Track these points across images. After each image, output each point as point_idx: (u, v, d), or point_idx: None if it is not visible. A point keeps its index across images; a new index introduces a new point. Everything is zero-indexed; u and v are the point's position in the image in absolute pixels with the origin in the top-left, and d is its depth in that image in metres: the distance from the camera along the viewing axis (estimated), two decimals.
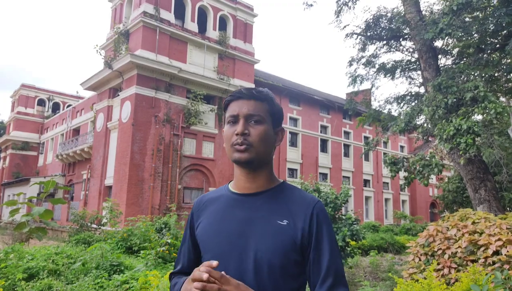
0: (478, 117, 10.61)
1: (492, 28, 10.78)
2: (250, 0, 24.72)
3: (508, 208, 19.70)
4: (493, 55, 12.02)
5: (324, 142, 32.45)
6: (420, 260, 5.97)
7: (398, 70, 13.87)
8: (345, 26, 13.38)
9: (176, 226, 12.52)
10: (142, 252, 9.31)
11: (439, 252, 5.68)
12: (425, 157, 11.02)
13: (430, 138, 13.10)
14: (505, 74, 12.37)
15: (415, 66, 13.69)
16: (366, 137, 33.83)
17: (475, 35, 11.57)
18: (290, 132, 29.81)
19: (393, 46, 13.50)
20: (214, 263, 1.08)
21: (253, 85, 24.30)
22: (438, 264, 5.51)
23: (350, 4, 12.95)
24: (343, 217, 9.07)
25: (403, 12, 12.14)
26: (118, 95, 22.42)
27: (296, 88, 30.22)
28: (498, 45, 11.59)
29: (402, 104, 14.13)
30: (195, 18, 23.51)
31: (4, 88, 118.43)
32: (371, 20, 12.74)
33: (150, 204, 19.84)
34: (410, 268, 5.96)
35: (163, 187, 20.61)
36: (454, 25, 9.82)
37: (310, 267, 1.25)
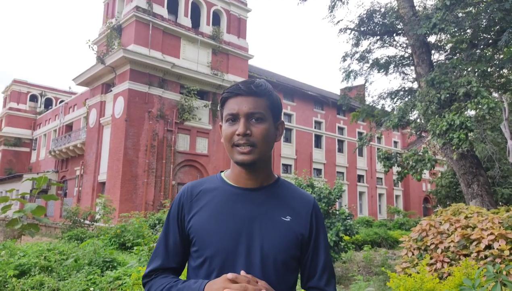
0: (471, 112, 10.67)
1: (485, 23, 10.80)
2: None
3: (500, 203, 19.87)
4: (486, 51, 12.06)
5: (318, 138, 32.50)
6: (413, 254, 6.00)
7: (392, 66, 13.88)
8: (338, 21, 13.39)
9: None
10: (135, 248, 9.24)
11: (432, 246, 5.70)
12: (418, 152, 11.07)
13: (423, 134, 13.15)
14: (497, 69, 12.43)
15: (408, 62, 13.72)
16: (360, 133, 33.95)
17: (468, 30, 11.60)
18: (284, 128, 29.75)
19: (386, 42, 13.51)
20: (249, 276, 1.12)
21: None
22: (431, 258, 5.54)
23: None
24: (337, 212, 9.08)
25: (397, 7, 12.14)
26: (111, 90, 22.26)
27: (290, 84, 30.19)
28: (490, 41, 11.63)
29: (395, 99, 14.16)
30: (188, 13, 23.36)
31: None
32: (365, 15, 12.74)
33: (144, 200, 19.77)
34: (403, 262, 5.98)
35: (157, 183, 20.54)
36: (447, 20, 9.83)
37: (308, 261, 1.31)
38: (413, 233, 6.16)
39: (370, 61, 13.64)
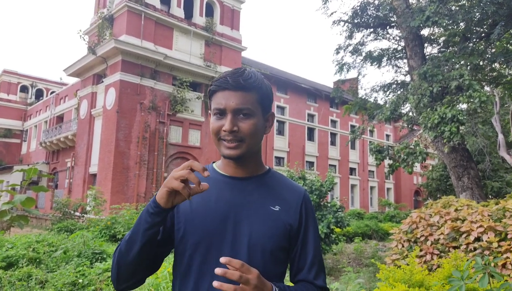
0: (463, 106, 10.70)
1: (478, 16, 10.81)
2: None
3: (490, 196, 20.09)
4: (479, 44, 12.09)
5: (311, 131, 32.53)
6: (403, 246, 6.02)
7: (385, 59, 13.87)
8: (332, 13, 13.31)
9: None
10: None
11: (422, 238, 5.73)
12: (410, 145, 11.10)
13: (415, 127, 13.20)
14: (489, 63, 12.47)
15: (401, 55, 13.72)
16: (352, 126, 34.01)
17: (461, 24, 11.60)
18: (277, 120, 29.76)
19: (380, 34, 13.48)
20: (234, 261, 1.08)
21: None
22: (420, 250, 5.56)
23: None
24: (328, 204, 9.10)
25: (390, 0, 12.10)
26: (102, 81, 22.03)
27: (283, 76, 30.11)
28: (483, 34, 11.66)
29: (388, 92, 14.17)
30: (181, 4, 23.10)
31: None
32: (358, 8, 12.69)
33: (135, 192, 19.68)
34: (393, 254, 6.00)
35: (149, 175, 20.44)
36: (441, 13, 9.82)
37: (297, 253, 1.29)
38: (404, 225, 6.19)
39: (363, 54, 13.62)
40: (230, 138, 1.20)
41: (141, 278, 1.23)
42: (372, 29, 13.33)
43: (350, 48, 13.58)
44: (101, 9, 22.88)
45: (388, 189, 39.65)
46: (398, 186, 39.95)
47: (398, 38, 13.30)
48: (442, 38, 13.36)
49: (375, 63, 13.74)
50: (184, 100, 21.93)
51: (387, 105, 11.94)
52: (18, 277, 5.40)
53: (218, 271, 1.04)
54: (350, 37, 13.36)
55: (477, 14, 10.70)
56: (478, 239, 5.28)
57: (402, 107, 11.85)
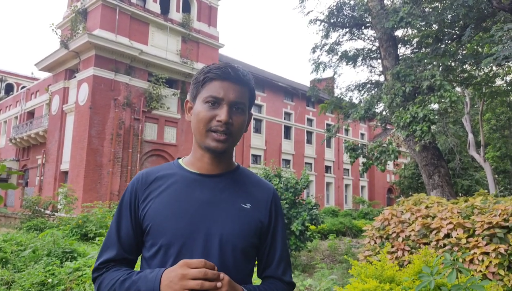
0: (434, 106, 10.96)
1: (450, 18, 11.09)
2: None
3: (460, 194, 20.73)
4: (450, 46, 12.41)
5: (287, 129, 32.71)
6: (375, 243, 6.12)
7: (360, 58, 14.08)
8: (309, 12, 13.39)
9: None
10: (98, 238, 9.03)
11: (394, 235, 5.83)
12: (383, 143, 11.30)
13: (388, 126, 13.45)
14: (460, 64, 12.83)
15: (375, 55, 13.94)
16: (328, 125, 34.37)
17: (434, 25, 11.89)
18: (254, 118, 29.77)
19: (355, 34, 13.66)
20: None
21: None
22: (392, 246, 5.67)
23: None
24: (303, 202, 9.16)
25: (366, 0, 12.27)
26: (75, 76, 21.48)
27: (261, 75, 30.13)
28: (455, 36, 11.97)
29: (362, 92, 14.40)
30: None
31: None
32: (334, 7, 12.81)
33: (109, 190, 19.30)
34: (366, 250, 6.09)
35: (123, 173, 20.08)
36: (414, 14, 10.02)
37: (266, 250, 1.29)
38: (376, 222, 6.29)
39: (339, 53, 13.78)
40: (222, 129, 1.18)
41: None
42: (347, 29, 13.49)
43: (326, 47, 13.71)
44: (74, 3, 22.30)
45: (362, 187, 40.34)
46: (372, 184, 40.70)
47: (372, 39, 13.51)
48: (415, 40, 13.66)
49: (351, 62, 13.93)
50: (160, 97, 21.64)
51: (361, 105, 12.12)
52: None
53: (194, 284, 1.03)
54: (326, 36, 13.48)
55: (449, 16, 10.99)
56: (447, 236, 5.42)
57: (376, 107, 12.05)
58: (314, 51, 13.92)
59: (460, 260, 4.74)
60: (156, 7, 22.56)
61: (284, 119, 32.36)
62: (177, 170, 1.28)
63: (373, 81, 14.36)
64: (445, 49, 11.86)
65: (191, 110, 1.28)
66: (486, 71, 15.07)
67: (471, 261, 5.02)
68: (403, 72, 10.12)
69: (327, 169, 36.05)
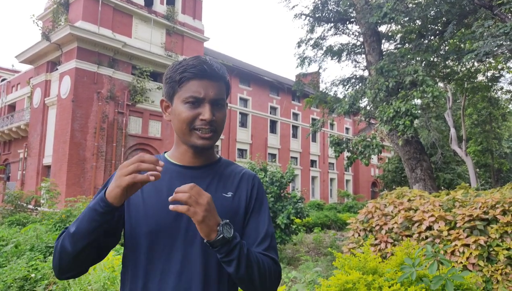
0: (417, 101, 11.13)
1: (433, 14, 11.23)
2: None
3: (442, 187, 21.12)
4: (433, 41, 12.57)
5: (273, 123, 32.76)
6: (359, 235, 6.21)
7: (344, 53, 14.17)
8: (294, 6, 13.40)
9: None
10: None
11: (377, 227, 5.92)
12: (367, 138, 11.43)
13: (372, 121, 13.59)
14: (443, 60, 13.02)
15: (360, 50, 14.05)
16: (313, 119, 34.55)
17: (417, 21, 12.02)
18: (240, 113, 29.72)
19: (340, 29, 13.74)
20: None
21: None
22: (375, 239, 5.76)
23: None
24: (289, 195, 9.22)
25: None
26: (57, 69, 21.06)
27: (246, 69, 30.05)
28: (437, 32, 12.13)
29: (347, 86, 14.51)
30: None
31: None
32: (319, 2, 12.84)
33: (92, 184, 19.06)
34: (350, 243, 6.18)
35: (107, 167, 19.84)
36: (398, 10, 10.12)
37: (248, 232, 1.27)
38: (360, 215, 6.37)
39: (324, 48, 13.85)
40: (207, 127, 1.20)
41: (84, 269, 1.19)
42: (332, 24, 13.56)
43: (311, 42, 13.77)
44: None
45: (347, 181, 40.75)
46: (357, 178, 41.15)
47: (357, 34, 13.61)
48: (399, 35, 13.80)
49: (335, 57, 14.01)
50: (144, 91, 21.39)
51: (346, 99, 12.22)
52: None
53: (170, 198, 1.05)
54: (311, 31, 13.52)
55: (432, 12, 11.13)
56: (429, 228, 5.53)
57: (360, 101, 12.17)
58: (299, 46, 13.96)
59: (442, 252, 4.85)
60: None
61: (270, 113, 32.39)
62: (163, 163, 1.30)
63: (357, 76, 14.48)
64: (428, 45, 12.02)
65: (168, 109, 1.29)
66: (468, 67, 15.34)
67: (452, 252, 5.14)
68: (386, 67, 10.23)
69: (313, 163, 36.29)
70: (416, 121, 10.46)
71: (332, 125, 32.61)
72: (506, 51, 9.30)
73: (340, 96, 14.66)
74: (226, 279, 1.20)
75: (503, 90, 20.61)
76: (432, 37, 12.42)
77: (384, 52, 12.43)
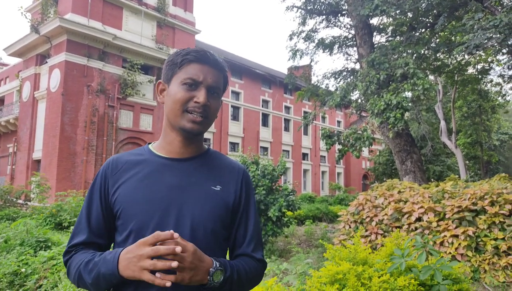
0: (408, 94, 11.19)
1: (424, 7, 11.25)
2: None
3: (432, 179, 21.32)
4: (424, 34, 12.62)
5: (265, 116, 32.75)
6: (350, 227, 6.25)
7: (336, 46, 14.16)
8: None
9: None
10: (72, 227, 8.88)
11: (368, 219, 5.97)
12: (358, 130, 11.48)
13: (363, 113, 13.65)
14: (434, 52, 13.09)
15: (351, 43, 14.05)
16: (305, 112, 34.60)
17: (409, 14, 12.04)
18: (232, 106, 29.65)
19: (331, 22, 13.72)
20: (175, 235, 1.05)
21: None
22: (366, 230, 5.81)
23: None
24: (280, 188, 9.23)
25: None
26: (46, 62, 20.78)
27: (238, 61, 29.93)
28: (428, 25, 12.17)
29: (338, 79, 14.52)
30: None
31: None
32: None
33: (83, 179, 18.93)
34: (341, 235, 6.22)
35: (98, 161, 19.70)
36: (389, 2, 10.13)
37: (236, 230, 1.31)
38: (351, 207, 6.41)
39: (316, 41, 13.83)
40: (200, 111, 1.20)
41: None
42: (324, 16, 13.53)
43: (303, 34, 13.74)
44: None
45: (339, 173, 40.98)
46: (348, 171, 41.39)
47: (349, 26, 13.60)
48: (390, 28, 13.83)
49: (327, 50, 14.00)
50: (135, 84, 21.20)
51: (337, 92, 12.24)
52: None
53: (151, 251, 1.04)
54: (303, 23, 13.49)
55: (423, 4, 11.15)
56: (419, 219, 5.59)
57: (351, 94, 12.20)
58: (291, 38, 13.93)
59: (431, 242, 4.92)
60: None
61: (262, 106, 32.36)
62: (147, 155, 1.30)
63: (349, 69, 14.50)
64: (419, 38, 12.06)
65: (164, 92, 1.30)
66: (459, 59, 15.45)
67: (441, 243, 5.20)
68: (377, 60, 10.26)
69: (304, 156, 36.40)
70: (406, 114, 10.53)
71: (323, 118, 32.72)
72: (495, 44, 9.37)
73: (332, 89, 14.68)
74: None
75: (493, 82, 20.79)
76: (423, 30, 12.46)
77: (376, 45, 12.45)
